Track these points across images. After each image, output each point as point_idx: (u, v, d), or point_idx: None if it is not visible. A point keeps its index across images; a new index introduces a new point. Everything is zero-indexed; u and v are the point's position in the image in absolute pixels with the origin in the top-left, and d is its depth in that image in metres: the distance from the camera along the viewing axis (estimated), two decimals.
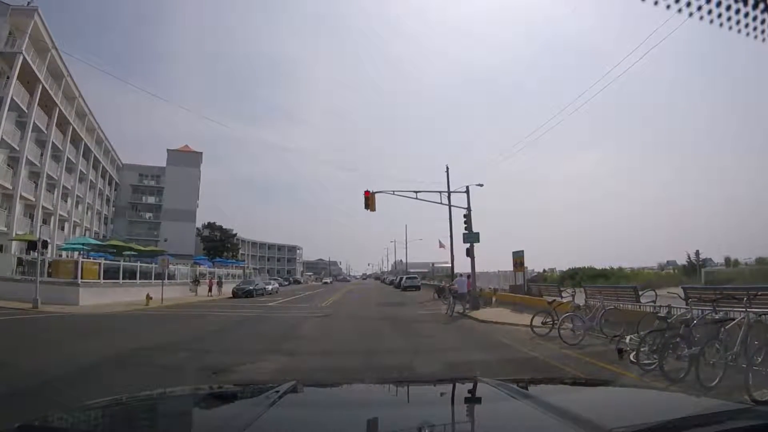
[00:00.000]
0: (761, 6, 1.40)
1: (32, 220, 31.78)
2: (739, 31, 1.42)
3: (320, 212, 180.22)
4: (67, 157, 36.96)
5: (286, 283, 62.45)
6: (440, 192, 22.16)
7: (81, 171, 40.64)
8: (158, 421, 1.63)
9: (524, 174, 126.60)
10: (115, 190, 55.79)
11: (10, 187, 28.46)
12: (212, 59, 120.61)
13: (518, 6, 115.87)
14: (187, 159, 60.16)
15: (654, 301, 9.85)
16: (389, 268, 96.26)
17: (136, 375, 6.54)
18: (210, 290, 31.20)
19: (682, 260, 34.86)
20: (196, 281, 30.76)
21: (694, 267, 30.60)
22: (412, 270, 60.66)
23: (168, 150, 60.79)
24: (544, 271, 46.00)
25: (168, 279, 25.22)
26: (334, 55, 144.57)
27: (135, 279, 23.94)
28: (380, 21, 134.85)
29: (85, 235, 40.96)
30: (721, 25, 1.41)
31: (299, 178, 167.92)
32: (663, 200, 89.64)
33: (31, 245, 19.49)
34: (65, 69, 33.85)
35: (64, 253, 29.48)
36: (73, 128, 37.45)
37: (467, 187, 21.17)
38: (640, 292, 10.91)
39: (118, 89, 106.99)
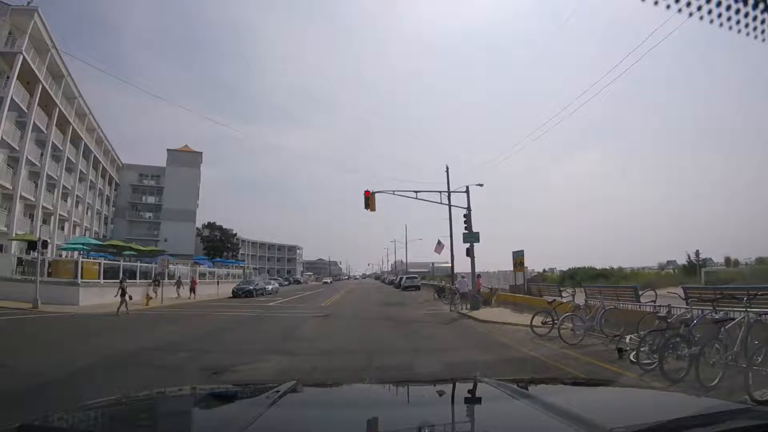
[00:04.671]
0: (761, 6, 1.40)
1: (32, 220, 31.79)
2: (739, 31, 1.42)
3: (320, 212, 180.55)
4: (67, 157, 36.94)
5: (286, 283, 62.48)
6: (440, 192, 22.13)
7: (81, 171, 40.62)
8: (158, 421, 1.63)
9: (524, 174, 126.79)
10: (115, 190, 55.78)
11: (10, 187, 28.46)
12: (211, 59, 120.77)
13: (517, 16, 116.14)
14: (187, 159, 60.15)
15: (654, 301, 9.83)
16: (389, 268, 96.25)
17: (136, 375, 6.55)
18: (192, 292, 26.85)
19: (682, 260, 34.81)
20: (156, 281, 23.68)
21: (694, 267, 30.55)
22: (412, 270, 60.60)
23: (168, 150, 60.80)
24: (544, 271, 46.02)
25: (168, 279, 25.16)
26: (334, 54, 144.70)
27: (135, 279, 23.92)
28: (380, 20, 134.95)
29: (85, 235, 40.95)
30: (721, 25, 1.41)
31: (299, 178, 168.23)
32: (663, 200, 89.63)
33: (31, 245, 19.49)
34: (65, 69, 33.86)
35: (64, 253, 29.48)
36: (73, 128, 37.43)
37: (467, 187, 21.15)
38: (640, 292, 10.91)
39: (117, 89, 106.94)
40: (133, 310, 18.29)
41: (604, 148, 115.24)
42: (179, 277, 27.63)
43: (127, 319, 15.23)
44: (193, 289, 27.15)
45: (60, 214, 36.65)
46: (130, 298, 16.44)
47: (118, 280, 22.12)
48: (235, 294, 30.26)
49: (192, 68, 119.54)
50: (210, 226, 62.24)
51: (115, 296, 16.39)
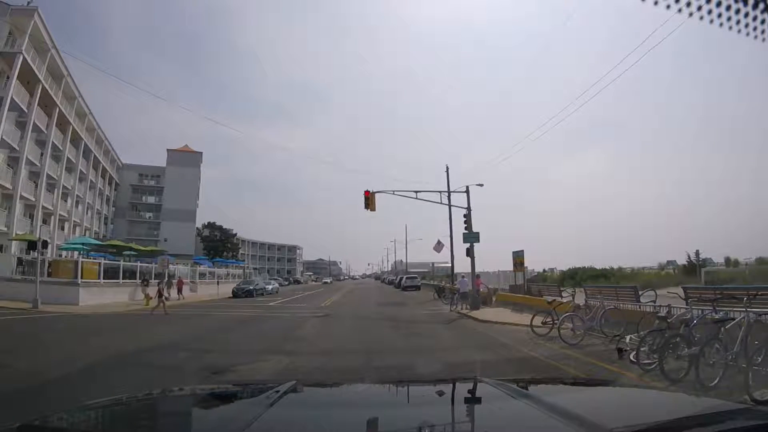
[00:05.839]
0: (761, 6, 1.39)
1: (32, 220, 31.78)
2: (739, 31, 1.42)
3: (320, 212, 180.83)
4: (67, 157, 36.93)
5: (286, 283, 62.52)
6: (440, 192, 22.17)
7: (81, 171, 40.61)
8: (158, 421, 1.63)
9: (524, 174, 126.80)
10: (115, 190, 55.77)
11: (10, 187, 28.44)
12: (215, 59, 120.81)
13: (517, 15, 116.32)
14: (187, 159, 60.13)
15: (654, 301, 9.86)
16: (389, 268, 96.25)
17: (136, 375, 6.55)
18: (178, 292, 24.80)
19: (682, 260, 34.78)
20: (145, 281, 22.76)
21: (694, 267, 30.52)
22: (412, 270, 60.61)
23: (168, 150, 60.80)
24: (544, 271, 46.08)
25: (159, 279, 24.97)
26: (334, 54, 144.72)
27: (135, 279, 23.94)
28: (380, 20, 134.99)
29: (85, 235, 40.93)
30: (721, 25, 1.41)
31: (299, 178, 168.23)
32: (663, 200, 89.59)
33: (31, 245, 19.48)
34: (65, 69, 33.84)
35: (64, 253, 29.46)
36: (73, 128, 37.42)
37: (467, 187, 21.17)
38: (640, 292, 10.91)
39: (117, 89, 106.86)
40: (132, 310, 18.33)
41: (604, 148, 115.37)
42: (169, 276, 25.39)
43: (135, 318, 15.29)
44: (180, 290, 25.30)
45: (60, 214, 36.63)
46: (162, 299, 17.01)
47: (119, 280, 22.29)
48: (235, 294, 30.27)
49: (191, 68, 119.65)
50: (210, 226, 62.26)
51: (164, 296, 17.35)
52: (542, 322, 10.46)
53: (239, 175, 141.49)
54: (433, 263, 62.67)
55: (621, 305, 10.41)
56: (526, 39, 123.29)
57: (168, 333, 11.91)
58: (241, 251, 72.33)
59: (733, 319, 6.17)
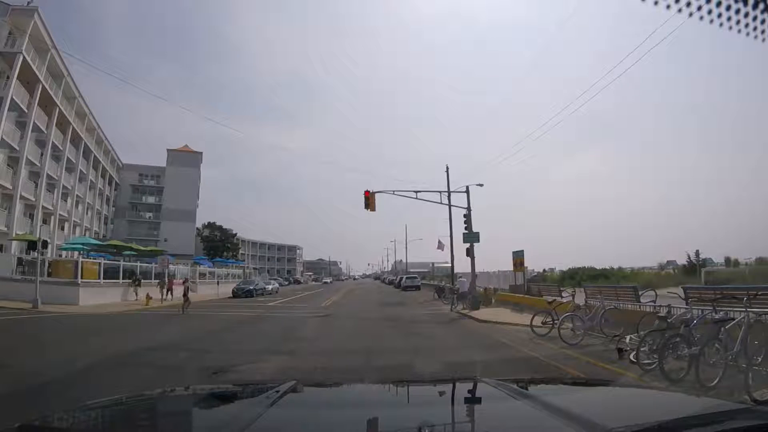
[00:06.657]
0: (761, 6, 1.39)
1: (32, 220, 31.79)
2: (739, 31, 1.42)
3: (320, 212, 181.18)
4: (67, 157, 36.93)
5: (286, 283, 62.53)
6: (440, 192, 22.18)
7: (81, 171, 40.62)
8: (158, 421, 1.63)
9: (524, 174, 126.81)
10: (115, 190, 55.79)
11: (10, 187, 28.45)
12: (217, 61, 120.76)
13: (517, 14, 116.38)
14: (187, 159, 60.17)
15: (654, 301, 9.84)
16: (389, 268, 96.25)
17: (136, 375, 6.54)
18: (167, 292, 23.23)
19: (682, 260, 34.90)
20: (136, 281, 22.97)
21: (694, 267, 30.59)
22: (412, 270, 60.64)
23: (168, 150, 60.84)
24: (544, 271, 46.13)
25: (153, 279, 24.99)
26: (334, 54, 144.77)
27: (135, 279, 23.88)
28: (380, 20, 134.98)
29: (85, 235, 40.95)
30: (721, 25, 1.41)
31: (300, 178, 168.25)
32: (663, 200, 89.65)
33: (31, 245, 19.48)
34: (65, 69, 33.84)
35: (64, 253, 29.46)
36: (73, 128, 37.42)
37: (467, 187, 21.18)
38: (640, 292, 10.90)
39: (117, 89, 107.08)
40: (132, 310, 18.34)
41: (604, 148, 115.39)
42: (164, 277, 24.72)
43: (135, 318, 15.29)
44: (170, 290, 23.63)
45: (60, 214, 36.63)
46: (186, 299, 17.92)
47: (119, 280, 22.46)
48: (235, 294, 30.28)
49: (191, 68, 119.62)
50: (210, 226, 62.29)
51: (184, 295, 18.38)
52: (542, 322, 10.45)
53: (239, 175, 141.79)
54: (433, 263, 62.69)
55: (621, 305, 10.40)
56: (526, 39, 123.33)
57: (168, 333, 11.91)
58: (241, 251, 72.35)
59: (733, 319, 6.17)
